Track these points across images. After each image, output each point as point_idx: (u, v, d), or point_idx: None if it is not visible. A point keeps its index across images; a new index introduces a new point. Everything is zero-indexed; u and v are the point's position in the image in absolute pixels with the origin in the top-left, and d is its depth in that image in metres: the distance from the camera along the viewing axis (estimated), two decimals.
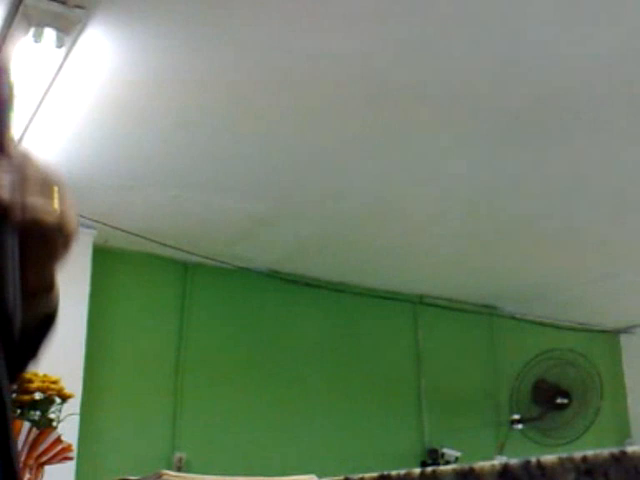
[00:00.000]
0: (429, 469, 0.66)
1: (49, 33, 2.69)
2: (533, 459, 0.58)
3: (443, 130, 3.55)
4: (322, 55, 3.00)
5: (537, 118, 3.41)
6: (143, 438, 4.50)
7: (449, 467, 0.65)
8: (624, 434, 5.99)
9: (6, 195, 0.69)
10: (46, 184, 0.73)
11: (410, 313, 5.54)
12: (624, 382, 6.24)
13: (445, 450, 5.22)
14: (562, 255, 4.89)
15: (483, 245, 4.76)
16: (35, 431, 2.26)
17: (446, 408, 5.44)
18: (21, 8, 2.63)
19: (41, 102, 3.17)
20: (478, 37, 2.90)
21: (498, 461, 0.63)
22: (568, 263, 5.03)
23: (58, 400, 2.42)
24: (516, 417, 5.43)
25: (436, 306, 5.58)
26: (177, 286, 4.88)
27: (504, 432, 5.49)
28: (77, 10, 2.66)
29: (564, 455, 0.57)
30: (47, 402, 2.38)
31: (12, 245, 0.69)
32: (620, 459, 0.53)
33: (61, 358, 3.57)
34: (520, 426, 5.44)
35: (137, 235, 4.36)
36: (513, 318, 5.88)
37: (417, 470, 0.68)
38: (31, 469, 2.25)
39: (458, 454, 5.18)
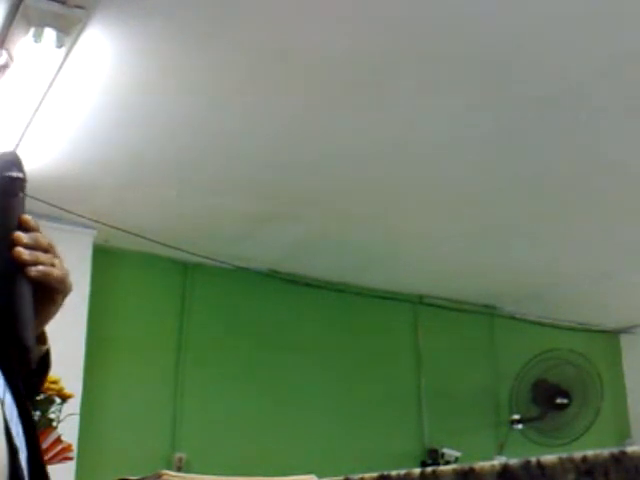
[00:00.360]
0: (429, 469, 0.66)
1: (49, 33, 2.69)
2: (533, 459, 0.58)
3: (444, 131, 3.55)
4: (322, 55, 3.00)
5: (537, 118, 3.41)
6: (143, 438, 4.50)
7: (449, 467, 0.65)
8: (624, 434, 5.99)
9: (26, 256, 0.92)
10: (52, 247, 0.96)
11: (410, 313, 5.55)
12: (624, 382, 6.24)
13: (445, 450, 5.22)
14: (562, 255, 4.89)
15: (483, 245, 4.76)
16: None
17: (446, 408, 5.44)
18: (21, 8, 2.63)
19: (41, 102, 3.17)
20: (478, 38, 2.90)
21: (498, 461, 0.63)
22: (568, 263, 5.03)
23: (58, 400, 2.42)
24: (516, 417, 5.43)
25: (436, 306, 5.58)
26: (177, 286, 4.88)
27: (504, 432, 5.49)
28: (77, 10, 2.66)
29: (564, 455, 0.56)
30: (47, 402, 2.38)
31: (28, 292, 0.92)
32: (620, 459, 0.53)
33: (61, 358, 3.57)
34: (520, 426, 5.44)
35: (137, 235, 4.36)
36: (513, 318, 5.88)
37: (417, 470, 0.68)
38: None
39: (458, 454, 5.18)
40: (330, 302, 5.25)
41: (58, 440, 2.34)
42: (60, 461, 2.39)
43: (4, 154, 1.03)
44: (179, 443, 4.58)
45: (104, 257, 4.53)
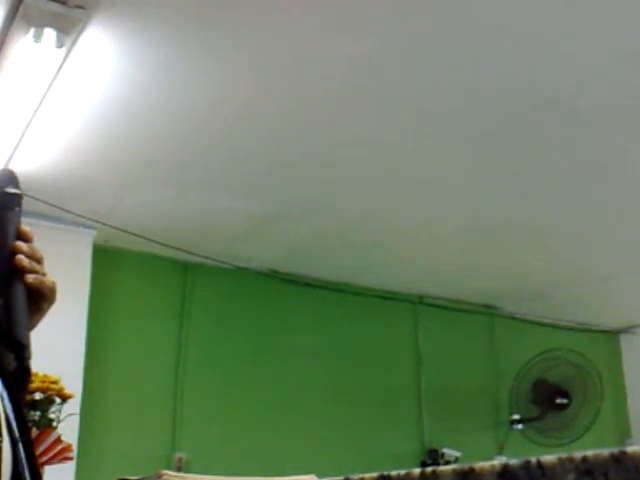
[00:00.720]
0: (429, 469, 0.66)
1: (49, 33, 2.69)
2: (533, 459, 0.58)
3: (444, 131, 3.55)
4: (322, 57, 3.01)
5: (537, 120, 3.42)
6: (143, 438, 4.50)
7: (449, 467, 0.65)
8: (624, 434, 5.99)
9: (26, 263, 1.01)
10: (42, 259, 1.04)
11: (410, 313, 5.55)
12: (624, 382, 6.24)
13: (445, 450, 5.22)
14: (562, 255, 4.89)
15: (483, 245, 4.76)
16: (35, 431, 2.26)
17: (446, 408, 5.44)
18: (21, 8, 2.63)
19: (41, 102, 3.17)
20: (478, 38, 2.90)
21: (498, 461, 0.63)
22: (568, 263, 5.03)
23: (58, 400, 2.42)
24: (516, 417, 5.43)
25: (436, 306, 5.59)
26: (177, 286, 4.88)
27: (504, 432, 5.50)
28: (77, 10, 2.66)
29: (564, 455, 0.56)
30: (47, 402, 2.38)
31: (24, 296, 0.99)
32: (620, 459, 0.53)
33: (61, 358, 3.58)
34: (520, 426, 5.44)
35: (137, 235, 4.36)
36: (513, 318, 5.88)
37: (417, 470, 0.68)
38: None
39: (458, 454, 5.18)
40: (330, 302, 5.25)
41: (58, 440, 2.34)
42: (60, 461, 2.39)
43: (1, 171, 1.09)
44: (179, 443, 4.58)
45: (104, 257, 4.53)
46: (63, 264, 4.01)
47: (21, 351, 0.96)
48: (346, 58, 3.02)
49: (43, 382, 2.35)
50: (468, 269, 5.11)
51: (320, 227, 4.52)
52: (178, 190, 4.06)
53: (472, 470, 0.62)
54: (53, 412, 2.41)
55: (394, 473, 0.70)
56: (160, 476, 1.58)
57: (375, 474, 0.73)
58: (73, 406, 2.76)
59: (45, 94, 3.11)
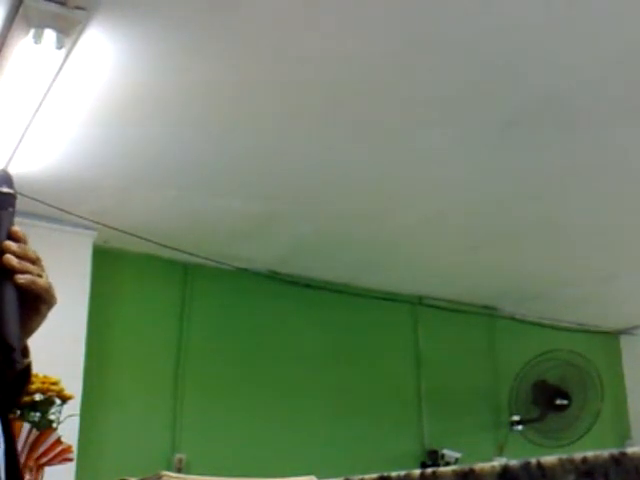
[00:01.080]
0: (429, 470, 0.66)
1: (49, 34, 2.69)
2: (533, 460, 0.58)
3: (443, 131, 3.55)
4: (322, 56, 3.01)
5: (537, 119, 3.41)
6: (143, 439, 4.50)
7: (449, 468, 0.65)
8: (624, 435, 5.99)
9: (15, 263, 0.98)
10: (39, 260, 1.02)
11: (410, 314, 5.54)
12: (624, 383, 6.24)
13: (445, 451, 5.21)
14: (562, 256, 4.89)
15: (483, 246, 4.76)
16: (35, 432, 2.26)
17: (446, 409, 5.43)
18: (21, 9, 2.63)
19: (41, 103, 3.17)
20: (478, 38, 2.90)
21: (498, 462, 0.63)
22: (568, 264, 5.03)
23: (58, 401, 2.42)
24: (516, 418, 5.43)
25: (436, 307, 5.58)
26: (177, 287, 4.88)
27: (504, 433, 5.49)
28: (77, 11, 2.66)
29: (564, 456, 0.56)
30: (47, 403, 2.38)
31: (13, 297, 0.97)
32: (620, 460, 0.53)
33: (61, 359, 3.58)
34: (520, 427, 5.44)
35: (137, 236, 4.36)
36: (513, 319, 5.88)
37: (417, 471, 0.68)
38: (31, 470, 2.26)
39: (458, 455, 5.17)
40: (330, 303, 5.25)
41: (58, 441, 2.34)
42: (60, 462, 2.39)
43: None
44: (179, 444, 4.58)
45: (104, 258, 4.53)
46: (63, 265, 4.01)
47: (10, 353, 0.94)
48: (346, 57, 3.02)
49: (43, 383, 2.35)
50: (468, 270, 5.11)
51: (320, 227, 4.52)
52: (178, 191, 4.06)
53: (472, 471, 0.62)
54: (53, 413, 2.40)
55: (394, 474, 0.70)
56: (160, 477, 1.58)
57: (375, 475, 0.73)
58: (73, 407, 2.76)
59: (45, 95, 3.11)
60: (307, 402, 5.03)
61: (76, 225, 4.26)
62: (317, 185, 4.05)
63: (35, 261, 1.01)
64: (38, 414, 2.34)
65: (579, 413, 5.34)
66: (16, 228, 1.01)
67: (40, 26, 2.67)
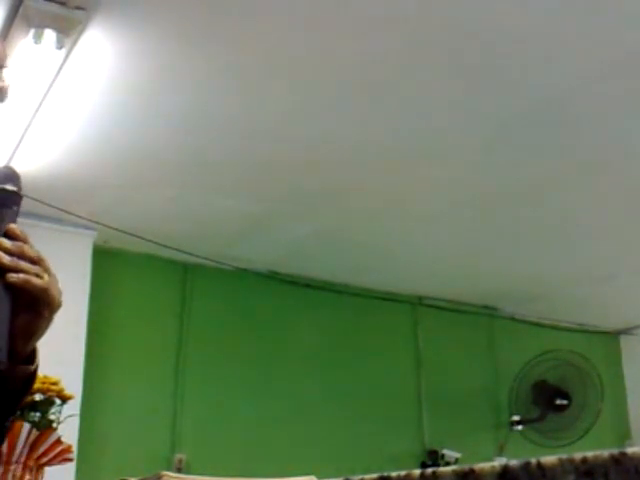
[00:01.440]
0: (429, 470, 0.66)
1: (49, 34, 2.69)
2: (533, 460, 0.58)
3: (444, 132, 3.55)
4: (322, 55, 3.01)
5: (537, 120, 3.41)
6: (143, 439, 4.50)
7: (449, 468, 0.65)
8: (624, 435, 5.99)
9: (6, 260, 0.92)
10: (41, 260, 0.96)
11: (410, 314, 5.55)
12: (624, 383, 6.24)
13: (445, 451, 5.21)
14: (562, 256, 4.89)
15: (483, 246, 4.76)
16: (35, 432, 2.26)
17: (446, 409, 5.43)
18: (21, 9, 2.63)
19: (41, 103, 3.17)
20: (478, 38, 2.90)
21: (498, 462, 0.63)
22: (568, 264, 5.03)
23: (58, 401, 2.41)
24: (516, 418, 5.43)
25: (436, 307, 5.58)
26: (177, 287, 4.88)
27: (504, 433, 5.49)
28: (77, 11, 2.66)
29: (564, 456, 0.56)
30: (47, 403, 2.38)
31: (5, 299, 0.91)
32: (620, 460, 0.53)
33: (61, 359, 3.57)
34: (520, 427, 5.44)
35: (137, 236, 4.36)
36: (513, 319, 5.88)
37: (417, 471, 0.68)
38: (31, 470, 2.25)
39: (458, 455, 5.18)
40: (330, 303, 5.25)
41: (58, 441, 2.34)
42: (60, 462, 2.39)
43: (2, 168, 1.01)
44: (179, 444, 4.58)
45: (104, 258, 4.53)
46: (63, 265, 4.00)
47: None
48: (345, 57, 3.02)
49: (43, 383, 2.34)
50: (468, 270, 5.11)
51: (320, 227, 4.52)
52: (178, 191, 4.06)
53: (472, 471, 0.62)
54: (53, 413, 2.40)
55: (394, 474, 0.70)
56: (160, 477, 1.58)
57: (375, 475, 0.73)
58: (73, 407, 2.76)
59: (45, 95, 3.11)
60: (307, 402, 5.03)
61: (76, 225, 4.26)
62: (317, 185, 4.05)
63: (36, 261, 0.95)
64: (38, 414, 2.34)
65: (579, 413, 5.34)
66: (13, 226, 0.96)
67: (40, 26, 2.67)
